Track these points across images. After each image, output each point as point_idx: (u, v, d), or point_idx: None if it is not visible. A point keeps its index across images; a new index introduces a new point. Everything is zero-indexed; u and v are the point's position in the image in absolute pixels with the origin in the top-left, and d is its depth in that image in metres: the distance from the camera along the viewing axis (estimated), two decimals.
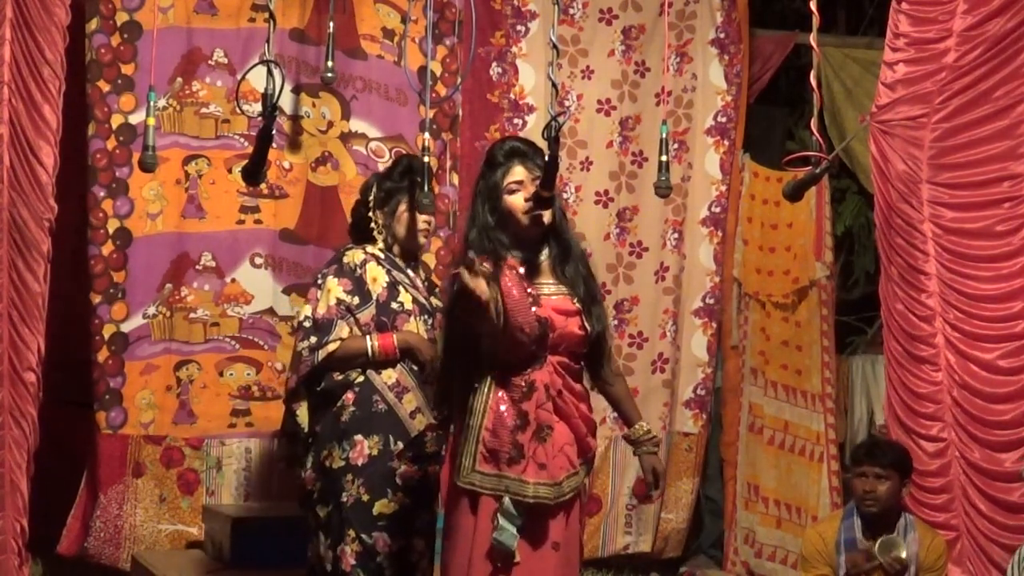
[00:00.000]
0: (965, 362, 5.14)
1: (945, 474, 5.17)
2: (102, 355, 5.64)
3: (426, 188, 4.13)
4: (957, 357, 5.15)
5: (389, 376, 4.43)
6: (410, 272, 4.56)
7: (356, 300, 4.44)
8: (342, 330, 4.41)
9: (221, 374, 5.83)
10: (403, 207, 4.54)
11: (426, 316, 4.51)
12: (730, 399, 6.81)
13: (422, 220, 4.54)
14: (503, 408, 3.76)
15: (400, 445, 4.38)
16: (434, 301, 4.56)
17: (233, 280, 5.86)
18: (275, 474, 5.84)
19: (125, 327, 5.68)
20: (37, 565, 5.70)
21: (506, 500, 3.73)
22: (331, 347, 4.39)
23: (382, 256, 4.53)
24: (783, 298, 6.56)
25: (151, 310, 5.73)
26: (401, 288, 4.49)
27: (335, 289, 4.45)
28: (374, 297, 4.45)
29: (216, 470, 5.81)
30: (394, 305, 4.45)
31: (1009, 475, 5.00)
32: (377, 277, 4.47)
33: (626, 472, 6.48)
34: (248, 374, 5.86)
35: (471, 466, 3.79)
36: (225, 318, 5.85)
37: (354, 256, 4.51)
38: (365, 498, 4.35)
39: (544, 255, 3.91)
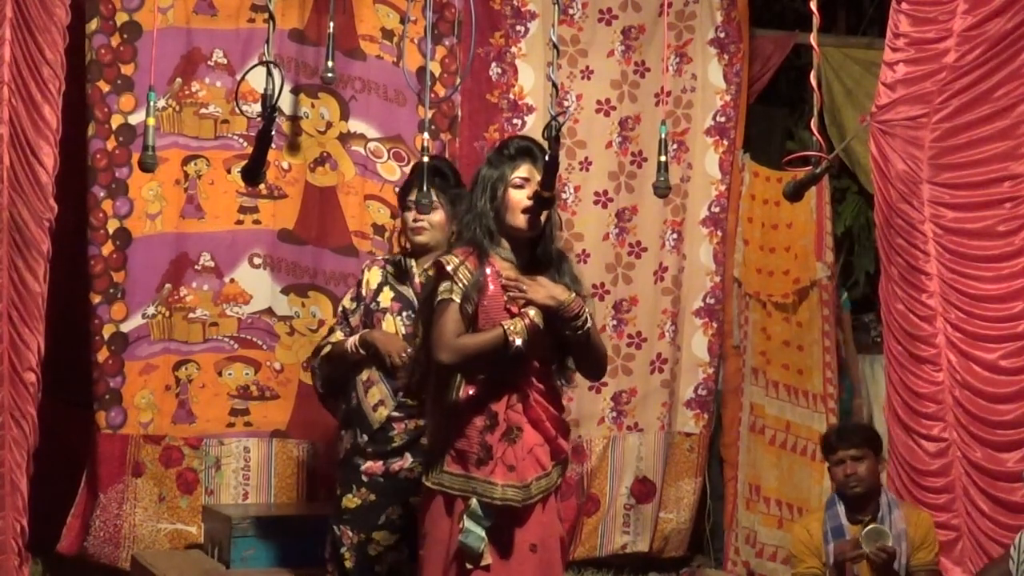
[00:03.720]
0: (967, 362, 5.14)
1: (946, 474, 5.17)
2: (102, 355, 5.64)
3: (424, 188, 4.15)
4: (958, 357, 5.15)
5: (366, 373, 4.58)
6: (413, 269, 4.64)
7: (354, 305, 4.72)
8: (335, 335, 4.70)
9: (220, 374, 5.83)
10: (406, 210, 4.70)
11: (409, 312, 4.58)
12: (730, 400, 6.81)
13: (410, 218, 4.64)
14: (473, 408, 3.76)
15: (365, 438, 4.52)
16: None
17: (232, 280, 5.86)
18: (274, 473, 5.84)
19: (125, 327, 5.68)
20: (37, 565, 5.69)
21: (473, 502, 3.72)
22: (324, 350, 4.70)
23: (396, 259, 4.71)
24: (783, 298, 6.56)
25: (150, 310, 5.73)
26: (387, 288, 4.64)
27: (345, 298, 4.80)
28: (363, 300, 4.67)
29: (215, 469, 5.81)
30: (372, 305, 4.63)
31: (1011, 475, 5.00)
32: (370, 280, 4.69)
33: (624, 472, 6.47)
34: (247, 374, 5.86)
35: (440, 466, 3.81)
36: (224, 318, 5.85)
37: (368, 263, 4.83)
38: (338, 492, 4.58)
39: (529, 258, 3.89)
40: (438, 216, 4.57)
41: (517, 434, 3.76)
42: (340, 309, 4.77)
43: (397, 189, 5.54)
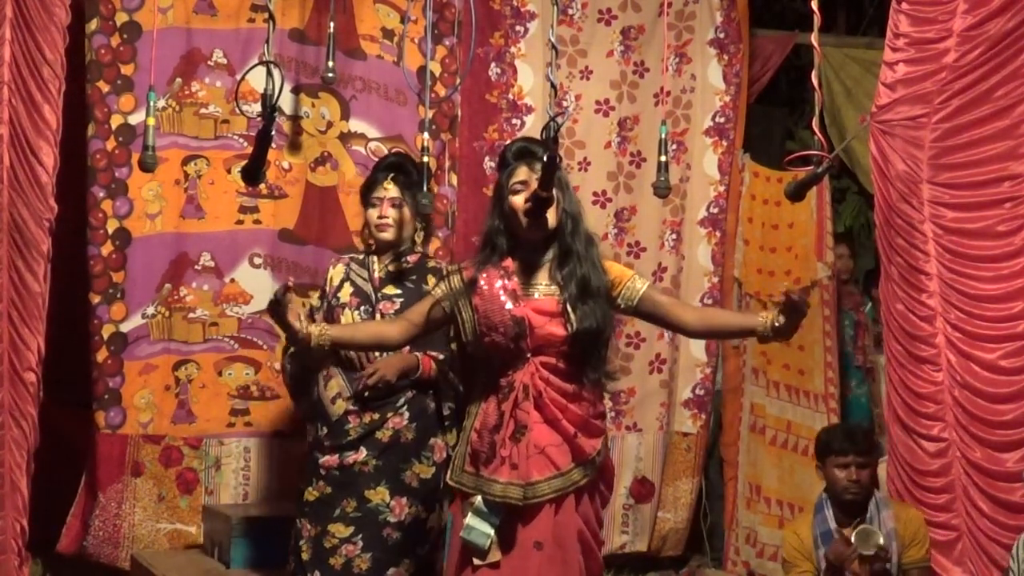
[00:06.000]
0: (966, 362, 5.13)
1: (946, 474, 5.17)
2: (101, 355, 5.64)
3: (425, 188, 4.17)
4: (958, 357, 5.15)
5: (326, 366, 4.67)
6: (374, 265, 4.71)
7: (320, 303, 4.81)
8: None
9: (220, 374, 5.83)
10: (370, 207, 4.75)
11: (367, 306, 4.65)
12: (730, 399, 6.81)
13: (374, 215, 4.68)
14: (488, 409, 3.81)
15: (325, 430, 4.60)
16: (388, 290, 4.67)
17: (232, 280, 5.86)
18: (274, 473, 5.84)
19: (124, 327, 5.68)
20: (37, 565, 5.70)
21: (478, 499, 3.76)
22: (292, 348, 4.76)
23: (361, 256, 4.78)
24: None
25: (150, 310, 5.73)
26: (347, 284, 4.72)
27: (313, 296, 4.93)
28: (326, 297, 4.76)
29: (215, 469, 5.82)
30: (333, 301, 4.71)
31: (1011, 475, 4.99)
32: (333, 277, 4.78)
33: (622, 472, 6.47)
34: (247, 374, 5.86)
35: (461, 467, 3.87)
36: (224, 318, 5.85)
37: (333, 260, 4.92)
38: (301, 486, 4.65)
39: (547, 256, 3.89)
40: (404, 213, 4.67)
41: (523, 433, 3.76)
42: (309, 308, 4.85)
43: None
